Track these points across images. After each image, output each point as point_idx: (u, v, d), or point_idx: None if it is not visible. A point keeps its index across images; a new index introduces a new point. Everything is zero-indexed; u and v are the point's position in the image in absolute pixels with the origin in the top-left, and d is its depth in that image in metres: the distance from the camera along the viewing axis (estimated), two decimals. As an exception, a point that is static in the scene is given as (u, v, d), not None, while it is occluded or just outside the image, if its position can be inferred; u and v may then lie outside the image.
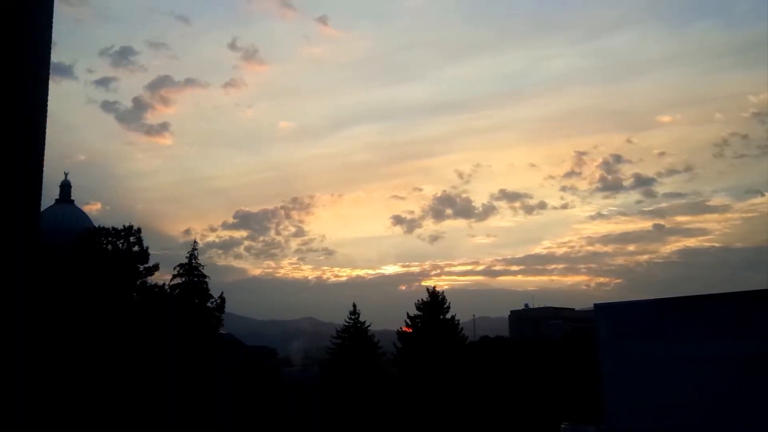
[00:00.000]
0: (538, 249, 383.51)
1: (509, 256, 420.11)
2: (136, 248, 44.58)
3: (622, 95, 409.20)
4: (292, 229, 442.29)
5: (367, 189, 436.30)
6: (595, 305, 11.44)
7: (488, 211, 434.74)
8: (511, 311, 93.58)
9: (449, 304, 55.19)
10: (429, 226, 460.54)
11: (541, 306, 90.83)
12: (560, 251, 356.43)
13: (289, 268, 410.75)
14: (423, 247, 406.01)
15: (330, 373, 56.53)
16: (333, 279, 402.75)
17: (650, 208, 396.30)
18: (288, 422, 50.15)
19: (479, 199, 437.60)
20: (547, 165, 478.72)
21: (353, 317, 57.11)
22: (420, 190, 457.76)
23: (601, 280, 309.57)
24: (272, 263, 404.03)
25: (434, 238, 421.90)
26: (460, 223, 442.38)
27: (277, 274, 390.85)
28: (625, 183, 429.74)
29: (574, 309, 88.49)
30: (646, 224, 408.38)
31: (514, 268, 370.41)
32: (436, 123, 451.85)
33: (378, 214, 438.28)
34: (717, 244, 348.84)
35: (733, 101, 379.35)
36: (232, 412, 44.48)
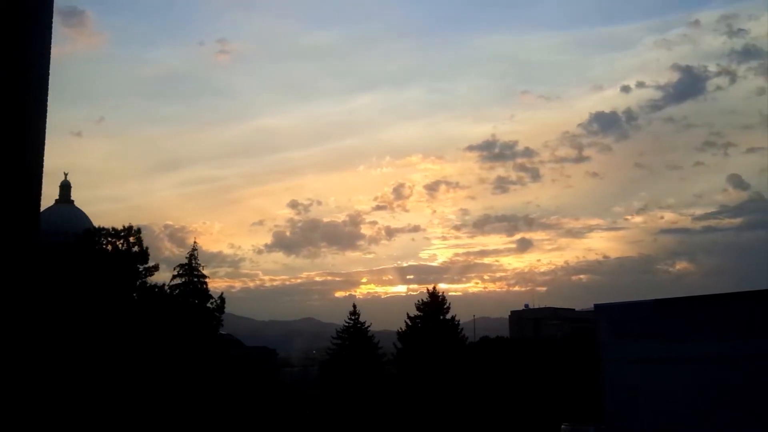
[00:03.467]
0: (439, 262, 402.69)
1: (407, 265, 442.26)
2: (135, 248, 44.58)
3: (394, 138, 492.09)
4: (183, 250, 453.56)
5: (223, 218, 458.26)
6: (596, 305, 11.43)
7: (353, 233, 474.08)
8: (511, 311, 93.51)
9: (449, 304, 55.26)
10: (307, 246, 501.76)
11: (541, 306, 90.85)
12: (458, 262, 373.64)
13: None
14: (320, 262, 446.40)
15: (330, 374, 56.52)
16: (266, 286, 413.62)
17: (501, 226, 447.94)
18: (288, 422, 50.13)
19: (335, 223, 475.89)
20: (368, 198, 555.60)
21: (353, 318, 57.10)
22: (273, 219, 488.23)
23: (521, 288, 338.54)
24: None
25: (322, 255, 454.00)
26: (333, 243, 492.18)
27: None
28: (450, 209, 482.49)
29: (574, 309, 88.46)
30: (511, 239, 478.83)
31: (432, 276, 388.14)
32: (252, 162, 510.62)
33: (252, 237, 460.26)
34: (598, 257, 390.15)
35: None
36: (232, 413, 44.47)
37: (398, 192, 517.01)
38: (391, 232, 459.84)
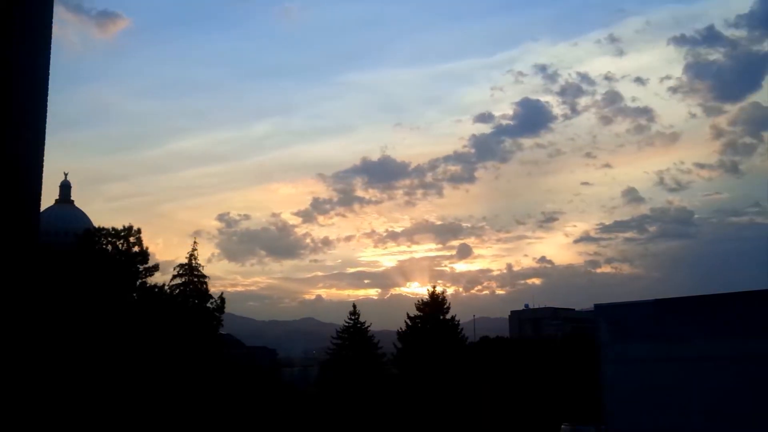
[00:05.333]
0: (386, 267, 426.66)
1: (354, 271, 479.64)
2: (135, 248, 44.55)
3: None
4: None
5: (161, 231, 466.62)
6: (596, 306, 11.45)
7: (292, 243, 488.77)
8: (512, 311, 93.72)
9: (449, 304, 55.21)
10: (251, 254, 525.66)
11: (541, 306, 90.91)
12: (406, 267, 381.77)
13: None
14: (269, 269, 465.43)
15: (330, 374, 56.51)
16: (228, 291, 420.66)
17: (430, 236, 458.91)
18: (288, 422, 50.11)
19: (271, 235, 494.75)
20: (290, 212, 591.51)
21: (353, 318, 57.05)
22: (208, 231, 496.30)
23: (477, 292, 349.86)
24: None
25: (268, 263, 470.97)
26: (274, 252, 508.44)
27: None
28: (376, 221, 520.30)
29: (574, 309, 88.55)
30: (447, 245, 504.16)
31: (388, 281, 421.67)
32: (171, 179, 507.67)
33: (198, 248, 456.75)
34: (543, 262, 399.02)
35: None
36: (232, 412, 44.47)
37: (318, 207, 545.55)
38: (328, 243, 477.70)
